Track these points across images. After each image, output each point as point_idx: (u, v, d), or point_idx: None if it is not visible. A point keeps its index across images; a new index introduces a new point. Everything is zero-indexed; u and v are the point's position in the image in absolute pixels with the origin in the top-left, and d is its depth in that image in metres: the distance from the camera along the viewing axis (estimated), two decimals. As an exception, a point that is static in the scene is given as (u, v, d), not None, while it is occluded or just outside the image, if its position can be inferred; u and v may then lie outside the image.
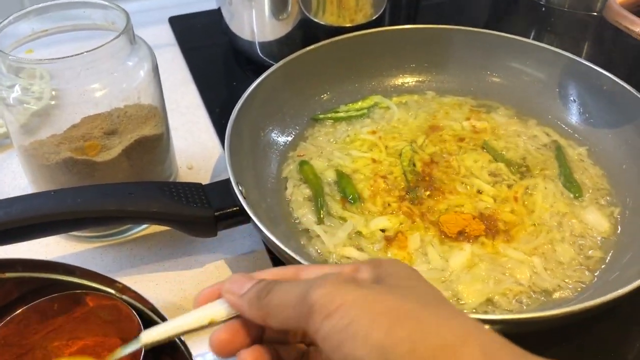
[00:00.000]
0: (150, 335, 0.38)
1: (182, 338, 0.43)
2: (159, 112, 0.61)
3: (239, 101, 0.65)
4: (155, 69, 0.59)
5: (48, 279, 0.48)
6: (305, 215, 0.62)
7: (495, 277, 0.55)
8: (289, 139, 0.72)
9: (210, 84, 0.86)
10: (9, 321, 0.46)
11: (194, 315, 0.38)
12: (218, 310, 0.37)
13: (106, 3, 0.58)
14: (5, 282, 0.49)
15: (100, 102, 0.56)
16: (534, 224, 0.60)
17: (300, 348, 0.40)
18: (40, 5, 0.58)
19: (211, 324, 0.37)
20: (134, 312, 0.46)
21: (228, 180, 0.56)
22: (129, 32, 0.55)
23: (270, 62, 0.85)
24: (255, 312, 0.35)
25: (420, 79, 0.80)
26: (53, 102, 0.54)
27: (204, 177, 0.70)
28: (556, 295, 0.54)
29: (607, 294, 0.47)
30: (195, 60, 0.90)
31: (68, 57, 0.52)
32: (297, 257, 0.49)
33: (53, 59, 0.52)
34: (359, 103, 0.77)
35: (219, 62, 0.91)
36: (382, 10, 0.83)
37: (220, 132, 0.77)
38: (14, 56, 0.52)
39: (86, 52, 0.52)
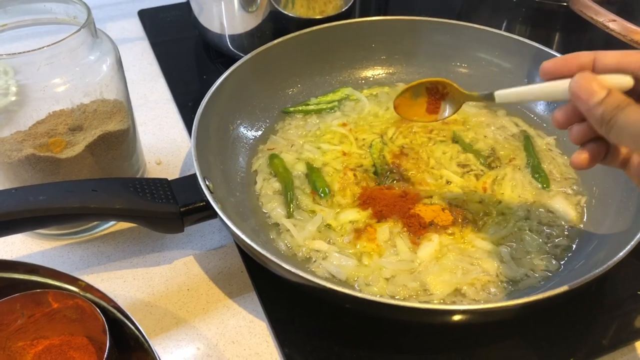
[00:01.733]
0: (504, 95, 0.47)
1: (149, 341, 0.43)
2: (124, 107, 0.61)
3: (206, 95, 0.64)
4: (119, 63, 0.58)
5: (10, 279, 0.48)
6: (274, 209, 0.62)
7: (463, 268, 0.55)
8: (259, 132, 0.71)
9: (180, 78, 0.85)
10: (-31, 323, 0.45)
11: (548, 86, 0.45)
12: (562, 91, 0.44)
13: (68, -3, 0.57)
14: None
15: (62, 97, 0.55)
16: (502, 214, 0.61)
17: None
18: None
19: (563, 99, 0.44)
20: (98, 310, 0.45)
21: (194, 175, 0.56)
22: (90, 26, 0.54)
23: (241, 55, 0.84)
24: (598, 126, 0.41)
25: (390, 71, 0.80)
26: (14, 99, 0.53)
27: (173, 173, 0.69)
28: (523, 284, 0.55)
29: (571, 282, 0.48)
30: (165, 54, 0.89)
31: (28, 52, 0.51)
32: (264, 252, 0.49)
33: (13, 54, 0.51)
34: (330, 95, 0.77)
35: (189, 55, 0.90)
36: (352, 2, 0.82)
37: (190, 126, 0.76)
38: (-30, 52, 0.51)
39: (46, 46, 0.51)
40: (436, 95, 0.56)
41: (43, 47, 0.51)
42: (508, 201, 0.62)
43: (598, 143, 0.45)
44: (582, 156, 0.46)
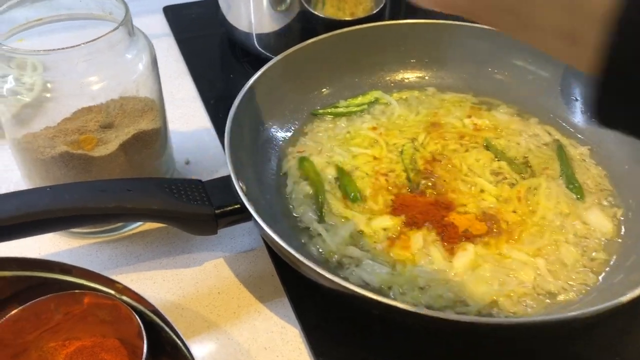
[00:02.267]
0: None
1: (189, 347, 0.42)
2: (156, 106, 0.60)
3: (239, 95, 0.63)
4: (154, 62, 0.57)
5: (44, 278, 0.47)
6: (305, 213, 0.61)
7: (500, 279, 0.54)
8: (288, 134, 0.71)
9: (206, 76, 0.84)
10: (4, 321, 0.44)
11: None
12: None
13: (104, -8, 0.56)
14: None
15: (97, 95, 0.54)
16: (537, 225, 0.60)
17: None
18: (35, -7, 0.56)
19: None
20: (134, 313, 0.45)
21: (228, 177, 0.55)
22: (127, 24, 0.53)
23: (267, 54, 0.84)
24: None
25: (420, 75, 0.79)
26: (48, 95, 0.53)
27: (201, 172, 0.68)
28: (560, 297, 0.54)
29: (612, 299, 0.47)
30: (191, 51, 0.88)
31: (65, 48, 0.50)
32: (300, 257, 0.48)
33: (50, 50, 0.50)
34: (359, 98, 0.76)
35: (214, 53, 0.89)
36: (382, 4, 0.81)
37: (217, 125, 0.75)
38: (8, 46, 0.50)
39: (84, 43, 0.50)
40: None
41: (81, 44, 0.50)
42: (543, 212, 0.61)
43: None
44: None
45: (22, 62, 0.52)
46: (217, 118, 0.76)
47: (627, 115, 0.30)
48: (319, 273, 0.47)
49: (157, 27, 0.93)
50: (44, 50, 0.50)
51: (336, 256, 0.57)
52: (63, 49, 0.50)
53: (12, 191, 0.49)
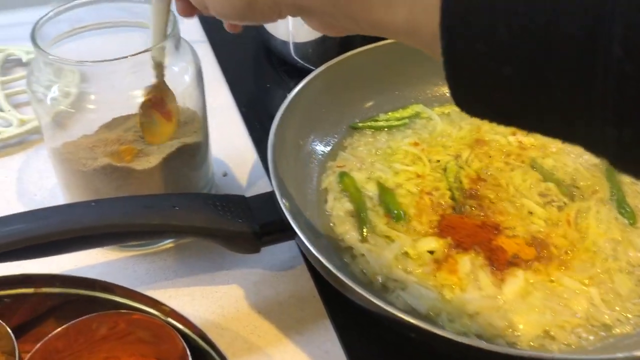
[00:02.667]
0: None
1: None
2: (199, 118, 0.58)
3: (280, 108, 0.62)
4: (199, 74, 0.56)
5: (88, 296, 0.46)
6: (347, 232, 0.59)
7: (552, 308, 0.52)
8: (328, 148, 0.69)
9: (242, 85, 0.82)
10: (48, 339, 0.43)
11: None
12: None
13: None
14: (38, 295, 0.47)
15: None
16: (589, 251, 0.57)
17: None
18: (80, 0, 0.55)
19: None
20: (179, 336, 0.43)
21: (271, 194, 0.53)
22: (175, 36, 0.52)
23: (304, 64, 0.82)
24: None
25: (463, 89, 0.77)
26: (92, 106, 0.51)
27: (240, 184, 0.67)
28: (616, 330, 0.51)
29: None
30: (227, 59, 0.87)
31: (112, 60, 0.49)
32: (348, 281, 0.47)
33: (96, 61, 0.49)
34: (400, 112, 0.74)
35: (250, 61, 0.88)
36: (425, 16, 0.79)
37: (254, 135, 0.74)
38: (55, 56, 0.49)
39: (130, 55, 0.49)
40: None
41: (127, 56, 0.49)
42: (594, 237, 0.59)
43: None
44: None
45: (68, 71, 0.51)
46: (254, 128, 0.75)
47: (476, 101, 0.32)
48: (367, 299, 0.46)
49: (193, 33, 0.92)
50: (90, 62, 0.49)
51: (380, 278, 0.55)
52: (109, 60, 0.49)
53: (56, 205, 0.48)
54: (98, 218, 0.46)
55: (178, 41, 0.53)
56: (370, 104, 0.74)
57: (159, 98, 0.52)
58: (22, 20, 0.91)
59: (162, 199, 0.50)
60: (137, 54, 0.49)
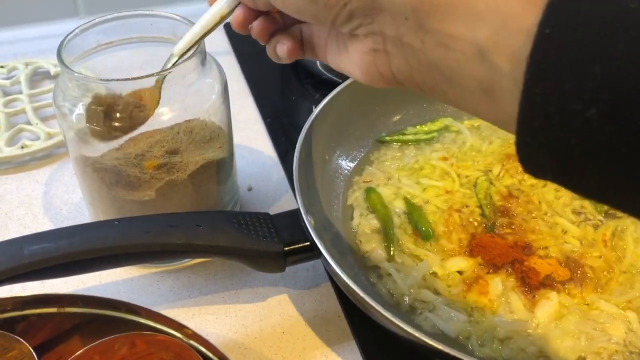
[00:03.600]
0: (179, 48, 0.47)
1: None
2: (224, 133, 0.58)
3: (307, 123, 0.61)
4: (225, 91, 0.55)
5: (111, 317, 0.45)
6: (374, 250, 0.58)
7: (587, 333, 0.50)
8: (354, 162, 0.68)
9: (267, 97, 0.82)
10: (70, 361, 0.43)
11: (206, 17, 0.45)
12: (225, 4, 0.44)
13: (175, 16, 0.55)
14: (61, 314, 0.47)
15: (165, 124, 0.53)
16: (626, 273, 0.55)
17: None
18: (107, 16, 0.55)
19: (223, 19, 0.45)
20: (201, 358, 0.42)
21: (297, 211, 0.52)
22: (201, 53, 0.51)
23: (330, 76, 0.81)
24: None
25: (493, 102, 0.75)
26: (117, 124, 0.51)
27: (265, 199, 0.66)
28: (656, 358, 0.49)
29: None
30: (252, 71, 0.86)
31: (136, 78, 0.48)
32: (370, 300, 0.45)
33: (121, 79, 0.48)
34: (428, 125, 0.72)
35: (276, 73, 0.87)
36: (454, 27, 0.78)
37: (279, 149, 0.73)
38: (81, 74, 0.49)
39: (156, 73, 0.49)
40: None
41: (153, 74, 0.49)
42: (631, 259, 0.56)
43: (286, 34, 0.45)
44: (283, 47, 0.45)
45: (93, 87, 0.51)
46: (279, 142, 0.74)
47: (551, 165, 0.28)
48: (392, 322, 0.44)
49: (218, 45, 0.92)
50: (115, 80, 0.49)
51: (408, 299, 0.53)
52: (134, 78, 0.48)
53: (79, 224, 0.47)
54: (121, 238, 0.46)
55: (204, 57, 0.53)
56: (397, 117, 0.73)
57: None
58: (50, 33, 0.92)
59: (186, 218, 0.49)
60: (161, 71, 0.49)
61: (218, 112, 0.55)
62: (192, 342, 0.43)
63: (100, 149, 0.54)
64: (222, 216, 0.51)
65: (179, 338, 0.43)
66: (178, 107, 0.51)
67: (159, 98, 0.50)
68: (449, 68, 0.33)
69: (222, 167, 0.57)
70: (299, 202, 0.52)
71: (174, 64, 0.48)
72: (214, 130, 0.57)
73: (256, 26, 0.45)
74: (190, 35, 0.47)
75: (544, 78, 0.26)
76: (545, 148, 0.27)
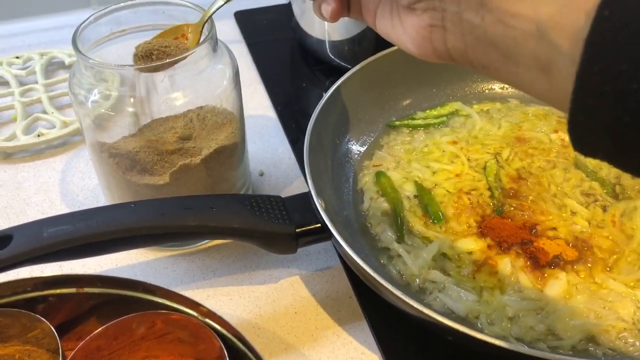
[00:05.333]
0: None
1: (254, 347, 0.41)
2: (236, 119, 0.59)
3: (316, 108, 0.62)
4: (237, 76, 0.56)
5: (128, 296, 0.46)
6: (384, 232, 0.58)
7: (596, 311, 0.51)
8: (364, 147, 0.68)
9: (278, 84, 0.83)
10: (88, 340, 0.44)
11: None
12: None
13: (187, 3, 0.56)
14: (80, 295, 0.48)
15: (178, 110, 0.54)
16: (635, 252, 0.56)
17: None
18: (119, 4, 0.56)
19: None
20: (216, 336, 0.44)
21: (308, 194, 0.53)
22: (212, 39, 0.52)
23: (340, 62, 0.82)
24: None
25: (502, 86, 0.75)
26: (131, 109, 0.52)
27: (276, 184, 0.67)
28: (665, 335, 0.50)
29: None
30: (262, 59, 0.87)
31: (150, 65, 0.49)
32: (385, 283, 0.46)
33: (134, 65, 0.50)
34: (437, 109, 0.73)
35: (286, 60, 0.88)
36: (463, 11, 0.78)
37: (290, 134, 0.74)
38: (95, 60, 0.50)
39: (169, 60, 0.50)
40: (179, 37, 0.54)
41: (166, 61, 0.50)
42: (640, 238, 0.57)
43: None
44: (327, 8, 0.45)
45: (108, 75, 0.52)
46: (290, 128, 0.75)
47: (603, 143, 0.29)
48: (403, 300, 0.45)
49: (228, 33, 0.92)
50: (129, 66, 0.50)
51: (418, 280, 0.54)
52: (148, 65, 0.49)
53: (96, 207, 0.49)
54: (137, 219, 0.47)
55: (215, 43, 0.54)
56: (407, 102, 0.73)
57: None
58: (64, 24, 0.93)
59: (200, 200, 0.50)
60: (174, 59, 0.50)
61: (230, 98, 0.56)
62: (207, 320, 0.44)
63: (115, 135, 0.55)
64: (235, 199, 0.52)
65: (194, 316, 0.45)
66: (190, 93, 0.52)
67: (200, 36, 0.52)
68: (506, 45, 0.33)
69: (234, 152, 0.58)
70: (309, 184, 0.53)
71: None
72: (226, 116, 0.58)
73: None
74: None
75: (600, 58, 0.27)
76: (598, 126, 0.28)
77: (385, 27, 0.42)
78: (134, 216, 0.47)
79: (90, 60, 0.50)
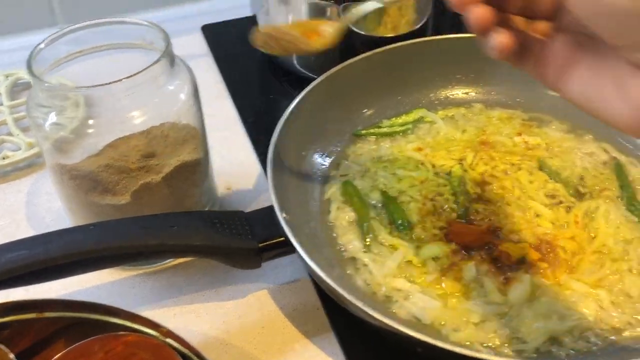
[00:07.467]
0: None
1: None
2: (199, 134, 0.59)
3: (280, 121, 0.62)
4: (196, 91, 0.56)
5: (88, 319, 0.46)
6: (350, 242, 0.59)
7: (559, 313, 0.51)
8: (331, 157, 0.69)
9: (245, 97, 0.83)
10: (49, 365, 0.44)
11: None
12: None
13: (145, 22, 0.56)
14: (42, 319, 0.48)
15: (138, 128, 0.54)
16: (598, 252, 0.56)
17: None
18: (76, 25, 0.55)
19: None
20: (178, 356, 0.43)
21: (271, 208, 0.53)
22: (169, 55, 0.52)
23: (307, 73, 0.82)
24: None
25: (467, 91, 0.76)
26: (90, 131, 0.52)
27: (244, 199, 0.67)
28: (626, 333, 0.50)
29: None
30: (230, 72, 0.87)
31: (106, 84, 0.49)
32: (341, 290, 0.46)
33: (90, 86, 0.50)
34: (403, 117, 0.73)
35: (254, 73, 0.88)
36: (426, 19, 0.79)
37: (258, 147, 0.74)
38: (50, 83, 0.50)
39: (125, 78, 0.50)
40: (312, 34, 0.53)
41: (122, 79, 0.50)
42: (603, 238, 0.57)
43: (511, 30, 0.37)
44: (501, 38, 0.36)
45: (65, 97, 0.52)
46: (258, 140, 0.75)
47: None
48: (364, 311, 0.45)
49: (195, 47, 0.92)
50: (85, 87, 0.50)
51: (384, 288, 0.54)
52: (103, 85, 0.49)
53: (57, 230, 0.48)
54: (96, 241, 0.47)
55: (172, 59, 0.54)
56: (372, 110, 0.74)
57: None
58: (30, 44, 0.92)
59: (161, 219, 0.50)
60: (131, 76, 0.50)
61: (189, 113, 0.56)
62: (168, 340, 0.44)
63: (75, 157, 0.55)
64: (196, 216, 0.52)
65: (155, 337, 0.44)
66: (149, 110, 0.52)
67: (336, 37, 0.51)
68: None
69: (197, 168, 0.58)
70: (272, 197, 0.54)
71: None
72: (189, 131, 0.58)
73: (480, 10, 0.35)
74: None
75: None
76: None
77: (584, 90, 0.34)
78: (93, 238, 0.47)
79: (45, 84, 0.50)
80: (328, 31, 0.51)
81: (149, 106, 0.52)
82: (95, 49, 0.57)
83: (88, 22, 0.56)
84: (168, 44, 0.52)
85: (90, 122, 0.52)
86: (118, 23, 0.56)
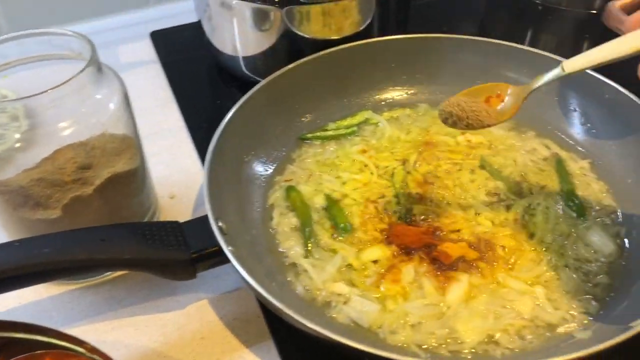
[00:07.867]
0: (573, 65, 0.42)
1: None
2: (134, 143, 0.58)
3: (219, 127, 0.61)
4: (126, 99, 0.55)
5: (10, 338, 0.45)
6: (292, 247, 0.58)
7: (496, 311, 0.52)
8: (276, 162, 0.68)
9: (193, 104, 0.82)
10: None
11: (617, 43, 0.39)
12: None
13: (71, 33, 0.54)
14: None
15: (68, 139, 0.53)
16: (535, 249, 0.57)
17: None
18: (2, 37, 0.54)
19: (636, 53, 0.38)
20: (105, 372, 0.43)
21: (207, 217, 0.53)
22: (95, 63, 0.51)
23: (255, 77, 0.81)
24: None
25: (412, 91, 0.76)
26: (18, 145, 0.51)
27: (187, 208, 0.66)
28: (561, 329, 0.51)
29: (616, 332, 0.44)
30: (178, 79, 0.86)
31: (31, 96, 0.48)
32: (274, 301, 0.46)
33: (14, 99, 0.48)
34: (348, 120, 0.73)
35: (202, 79, 0.87)
36: (370, 19, 0.79)
37: (204, 155, 0.73)
38: (-33, 99, 0.49)
39: (50, 89, 0.49)
40: (493, 98, 0.54)
41: (47, 90, 0.49)
42: (541, 234, 0.58)
43: None
44: None
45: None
46: (204, 148, 0.73)
47: None
48: (296, 320, 0.45)
49: (144, 54, 0.91)
50: (8, 101, 0.49)
51: (324, 293, 0.54)
52: (28, 97, 0.48)
53: (-21, 248, 0.47)
54: (22, 258, 0.46)
55: (99, 68, 0.53)
56: (318, 114, 0.73)
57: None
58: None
59: (90, 233, 0.49)
60: (57, 86, 0.49)
61: (120, 123, 0.55)
62: (95, 356, 0.43)
63: (6, 171, 0.54)
64: (127, 228, 0.51)
65: (81, 353, 0.44)
66: (77, 121, 0.51)
67: (521, 104, 0.53)
68: None
69: (133, 179, 0.57)
70: (207, 206, 0.53)
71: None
72: (124, 141, 0.57)
73: None
74: (588, 56, 0.44)
75: None
76: None
77: None
78: (18, 255, 0.46)
79: (-36, 99, 0.48)
80: (510, 102, 0.53)
81: (76, 117, 0.51)
82: (23, 60, 0.56)
83: (15, 34, 0.55)
84: (93, 52, 0.51)
85: (16, 136, 0.51)
86: (45, 34, 0.55)
